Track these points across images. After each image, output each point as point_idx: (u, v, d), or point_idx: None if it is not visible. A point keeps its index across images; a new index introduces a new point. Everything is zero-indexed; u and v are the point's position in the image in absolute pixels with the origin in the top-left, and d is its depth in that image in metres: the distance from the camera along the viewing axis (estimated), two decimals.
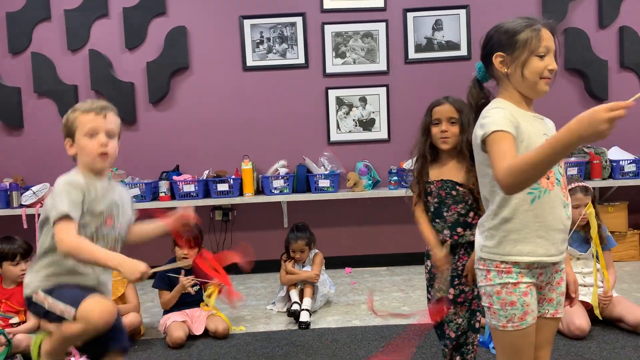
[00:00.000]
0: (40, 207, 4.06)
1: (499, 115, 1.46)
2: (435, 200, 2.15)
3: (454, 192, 2.11)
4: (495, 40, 1.58)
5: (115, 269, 1.75)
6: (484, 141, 1.46)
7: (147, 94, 4.39)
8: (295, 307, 3.19)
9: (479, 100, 1.64)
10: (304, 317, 3.12)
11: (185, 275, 3.09)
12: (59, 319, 1.77)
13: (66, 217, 1.74)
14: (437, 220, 2.15)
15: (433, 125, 2.17)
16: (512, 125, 1.44)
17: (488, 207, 1.55)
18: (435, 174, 2.17)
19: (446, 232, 2.13)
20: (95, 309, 1.73)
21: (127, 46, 4.37)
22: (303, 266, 3.47)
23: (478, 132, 1.49)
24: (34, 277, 1.84)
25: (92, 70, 4.35)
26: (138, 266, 1.73)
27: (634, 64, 4.39)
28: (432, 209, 2.18)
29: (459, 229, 2.11)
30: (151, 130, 4.43)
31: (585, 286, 2.91)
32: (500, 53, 1.55)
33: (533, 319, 1.51)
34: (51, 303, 1.78)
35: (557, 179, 1.51)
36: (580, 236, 2.90)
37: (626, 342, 2.64)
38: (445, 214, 2.12)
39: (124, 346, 1.94)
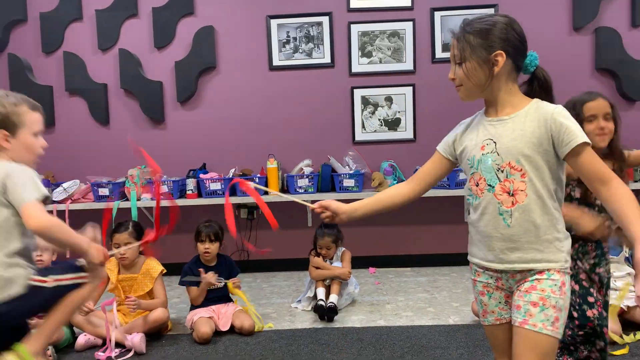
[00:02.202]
0: (71, 202, 4.14)
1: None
2: (581, 190, 2.05)
3: None
4: None
5: (84, 250, 1.79)
6: None
7: (175, 93, 4.44)
8: (321, 302, 3.21)
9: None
10: (331, 305, 3.15)
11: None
12: (64, 291, 1.78)
13: (45, 198, 1.74)
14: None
15: (586, 122, 2.01)
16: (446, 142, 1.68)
17: None
18: None
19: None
20: (98, 268, 1.86)
21: (156, 45, 4.44)
22: (331, 263, 3.48)
23: None
24: (16, 270, 1.71)
25: (121, 70, 4.42)
26: (103, 249, 1.82)
27: None
28: (575, 197, 2.06)
29: None
30: (179, 129, 4.49)
31: (616, 290, 2.85)
32: None
33: (495, 320, 1.56)
34: (56, 279, 1.76)
35: (489, 186, 1.47)
36: (612, 240, 2.84)
37: None
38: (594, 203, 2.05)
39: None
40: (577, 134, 1.40)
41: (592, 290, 2.03)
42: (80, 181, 4.33)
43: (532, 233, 1.43)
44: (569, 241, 1.50)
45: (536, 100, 1.50)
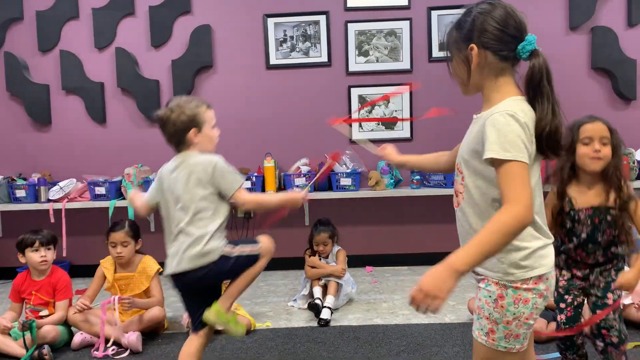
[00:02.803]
0: (67, 201, 4.14)
1: None
2: (588, 228, 2.05)
3: (608, 217, 2.02)
4: None
5: (284, 205, 2.21)
6: None
7: (171, 91, 4.44)
8: (316, 301, 3.21)
9: None
10: (325, 314, 3.12)
11: None
12: (245, 262, 2.14)
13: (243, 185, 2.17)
14: (590, 245, 2.06)
15: (582, 144, 2.02)
16: None
17: None
18: (582, 200, 2.04)
19: (598, 253, 2.07)
20: (269, 242, 2.20)
21: (153, 44, 4.43)
22: (326, 261, 3.49)
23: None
24: (217, 242, 2.08)
25: (118, 68, 4.41)
26: (297, 195, 2.22)
27: None
28: (582, 236, 2.06)
29: (613, 248, 2.07)
30: None
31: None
32: None
33: None
34: (241, 249, 2.14)
35: (455, 195, 1.48)
36: None
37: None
38: (600, 238, 2.04)
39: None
40: (490, 147, 1.26)
41: (566, 296, 2.13)
42: (77, 180, 4.32)
43: (472, 237, 1.27)
44: (525, 254, 1.35)
45: (511, 99, 1.35)
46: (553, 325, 2.72)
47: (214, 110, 2.25)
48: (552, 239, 1.41)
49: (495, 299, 1.37)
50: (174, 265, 2.09)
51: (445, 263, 1.21)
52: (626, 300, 2.82)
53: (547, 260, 1.37)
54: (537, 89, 1.34)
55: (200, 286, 2.13)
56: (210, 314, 2.10)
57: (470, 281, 4.11)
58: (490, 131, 1.27)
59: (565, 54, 4.32)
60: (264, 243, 2.20)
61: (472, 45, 1.36)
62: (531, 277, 1.35)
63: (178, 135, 2.16)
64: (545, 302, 1.39)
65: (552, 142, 1.33)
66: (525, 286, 1.35)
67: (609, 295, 2.07)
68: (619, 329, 2.06)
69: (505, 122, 1.27)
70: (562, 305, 2.14)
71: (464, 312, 3.18)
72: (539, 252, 1.36)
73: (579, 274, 2.11)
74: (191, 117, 2.15)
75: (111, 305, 2.91)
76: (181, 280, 2.11)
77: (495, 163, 1.27)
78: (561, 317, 2.14)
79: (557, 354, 2.44)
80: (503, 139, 1.26)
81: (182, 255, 2.06)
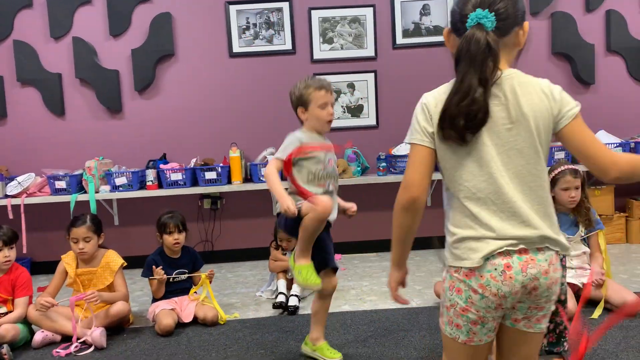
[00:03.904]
0: (26, 196, 4.01)
1: None
2: None
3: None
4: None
5: (280, 200, 2.20)
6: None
7: (132, 81, 4.33)
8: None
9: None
10: (293, 301, 3.12)
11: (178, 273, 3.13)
12: (293, 220, 2.24)
13: (277, 159, 2.28)
14: None
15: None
16: None
17: (548, 193, 1.36)
18: None
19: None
20: (324, 200, 2.22)
21: (112, 33, 4.31)
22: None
23: (569, 102, 1.32)
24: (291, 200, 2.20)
25: (76, 58, 4.28)
26: (287, 202, 2.17)
27: (621, 47, 4.40)
28: None
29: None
30: (137, 119, 4.39)
31: (572, 269, 2.93)
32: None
33: None
34: (298, 203, 2.23)
35: None
36: (569, 219, 2.92)
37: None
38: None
39: (334, 266, 2.43)
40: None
41: None
42: (36, 174, 4.19)
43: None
44: (455, 239, 1.35)
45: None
46: None
47: (326, 91, 2.31)
48: (495, 236, 1.30)
49: (442, 280, 1.41)
50: None
51: None
52: (584, 279, 2.89)
53: (476, 254, 1.30)
54: (457, 67, 1.32)
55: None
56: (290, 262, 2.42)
57: (438, 265, 4.17)
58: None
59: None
60: (320, 200, 2.22)
61: (526, 22, 1.37)
62: (461, 267, 1.33)
63: (295, 112, 2.36)
64: (486, 303, 1.31)
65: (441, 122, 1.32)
66: (457, 275, 1.34)
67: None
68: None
69: (418, 109, 1.40)
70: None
71: (431, 296, 3.22)
72: (469, 242, 1.32)
73: None
74: (299, 96, 2.32)
75: (81, 303, 2.84)
76: None
77: None
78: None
79: None
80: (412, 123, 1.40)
81: None
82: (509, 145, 1.31)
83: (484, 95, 1.26)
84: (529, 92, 1.31)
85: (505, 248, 1.29)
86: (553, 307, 1.40)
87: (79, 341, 2.74)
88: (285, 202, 2.16)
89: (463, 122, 1.27)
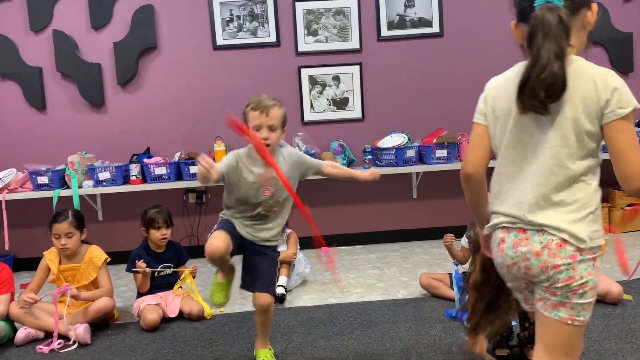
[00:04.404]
0: (8, 192, 3.95)
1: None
2: None
3: None
4: None
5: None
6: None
7: (115, 75, 4.28)
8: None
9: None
10: (279, 290, 3.12)
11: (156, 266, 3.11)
12: None
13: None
14: None
15: None
16: None
17: (583, 184, 1.36)
18: None
19: None
20: (208, 242, 2.15)
21: (93, 26, 4.25)
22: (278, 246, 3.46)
23: (620, 100, 1.29)
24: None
25: (57, 52, 4.21)
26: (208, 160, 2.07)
27: (603, 38, 4.43)
28: None
29: None
30: (120, 113, 4.33)
31: None
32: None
33: None
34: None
35: None
36: None
37: (595, 311, 2.70)
38: None
39: (257, 290, 2.30)
40: None
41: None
42: (17, 170, 4.13)
43: None
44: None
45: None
46: None
47: (260, 112, 2.18)
48: (502, 211, 1.44)
49: None
50: None
51: None
52: None
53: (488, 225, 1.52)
54: (530, 49, 1.37)
55: None
56: None
57: (423, 257, 4.19)
58: None
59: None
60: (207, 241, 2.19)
61: (594, 4, 1.39)
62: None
63: None
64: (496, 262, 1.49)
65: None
66: None
67: None
68: None
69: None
70: None
71: (416, 287, 3.23)
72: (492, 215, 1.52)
73: None
74: (243, 112, 2.27)
75: (64, 299, 2.81)
76: None
77: None
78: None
79: (513, 322, 2.46)
80: None
81: None
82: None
83: (561, 67, 1.29)
84: (579, 77, 1.32)
85: (504, 224, 1.43)
86: (582, 301, 1.37)
87: (63, 338, 2.71)
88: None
89: (543, 93, 1.30)
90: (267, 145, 2.13)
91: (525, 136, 1.39)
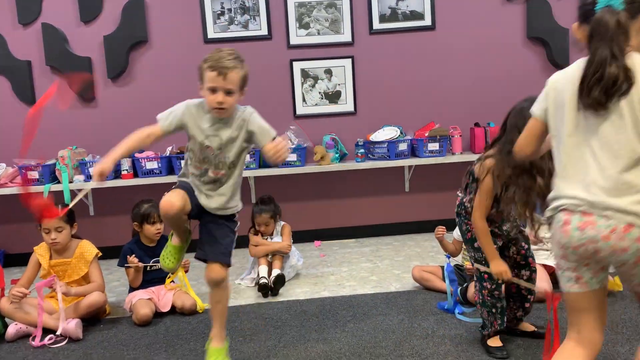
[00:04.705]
0: None
1: None
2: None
3: None
4: None
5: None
6: None
7: (105, 69, 4.24)
8: (263, 280, 3.18)
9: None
10: (262, 280, 3.15)
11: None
12: None
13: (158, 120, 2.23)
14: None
15: None
16: None
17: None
18: None
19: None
20: (163, 198, 2.11)
21: (83, 19, 4.20)
22: (271, 238, 3.46)
23: None
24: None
25: (46, 45, 4.17)
26: (98, 165, 2.08)
27: None
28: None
29: None
30: (111, 107, 4.30)
31: (547, 250, 2.97)
32: None
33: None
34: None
35: None
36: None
37: None
38: None
39: (209, 259, 2.22)
40: None
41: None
42: (7, 165, 4.10)
43: None
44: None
45: None
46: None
47: (218, 74, 2.03)
48: (560, 194, 1.51)
49: None
50: None
51: None
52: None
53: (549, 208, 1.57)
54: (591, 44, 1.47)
55: None
56: None
57: (415, 250, 4.19)
58: None
59: (502, 24, 4.40)
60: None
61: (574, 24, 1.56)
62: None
63: None
64: (557, 250, 1.53)
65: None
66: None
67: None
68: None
69: None
70: None
71: (409, 280, 3.23)
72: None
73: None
74: (199, 67, 2.12)
75: (54, 294, 2.79)
76: None
77: None
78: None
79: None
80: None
81: None
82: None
83: (618, 67, 1.38)
84: (637, 71, 1.40)
85: (566, 207, 1.47)
86: None
87: (55, 333, 2.69)
88: (97, 166, 2.11)
89: (598, 92, 1.41)
90: (222, 109, 2.06)
91: (589, 123, 1.45)
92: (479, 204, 2.20)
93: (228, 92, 2.05)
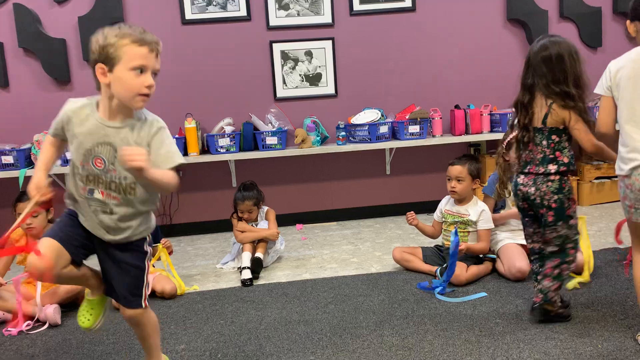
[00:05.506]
0: None
1: None
2: None
3: None
4: None
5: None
6: None
7: (80, 51, 4.15)
8: (245, 273, 3.12)
9: None
10: (246, 275, 3.10)
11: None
12: None
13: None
14: None
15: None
16: None
17: None
18: None
19: None
20: (31, 257, 1.68)
21: (56, 0, 4.09)
22: (256, 224, 3.43)
23: None
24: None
25: (18, 27, 4.05)
26: (33, 182, 1.74)
27: (573, 13, 4.47)
28: None
29: None
30: (86, 90, 4.08)
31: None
32: None
33: None
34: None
35: None
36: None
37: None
38: None
39: (114, 298, 1.89)
40: None
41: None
42: None
43: None
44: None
45: None
46: (473, 268, 2.84)
47: (149, 50, 1.64)
48: (636, 156, 1.93)
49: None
50: None
51: None
52: None
53: (626, 166, 1.97)
54: None
55: None
56: None
57: (396, 232, 4.20)
58: None
59: (482, 6, 4.39)
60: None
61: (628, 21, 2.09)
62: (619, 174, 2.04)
63: (92, 70, 1.69)
64: (635, 196, 1.95)
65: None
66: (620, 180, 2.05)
67: None
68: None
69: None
70: None
71: (389, 261, 3.25)
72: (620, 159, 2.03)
73: None
74: (103, 46, 1.61)
75: (31, 280, 2.75)
76: None
77: None
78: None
79: (483, 294, 2.60)
80: None
81: None
82: None
83: None
84: None
85: None
86: None
87: (33, 319, 2.66)
88: (32, 183, 1.71)
89: None
90: (147, 95, 1.68)
91: None
92: (585, 132, 2.15)
93: (155, 73, 1.68)
